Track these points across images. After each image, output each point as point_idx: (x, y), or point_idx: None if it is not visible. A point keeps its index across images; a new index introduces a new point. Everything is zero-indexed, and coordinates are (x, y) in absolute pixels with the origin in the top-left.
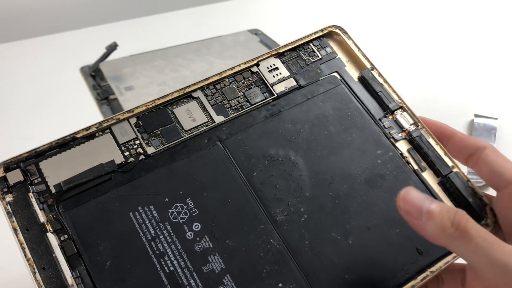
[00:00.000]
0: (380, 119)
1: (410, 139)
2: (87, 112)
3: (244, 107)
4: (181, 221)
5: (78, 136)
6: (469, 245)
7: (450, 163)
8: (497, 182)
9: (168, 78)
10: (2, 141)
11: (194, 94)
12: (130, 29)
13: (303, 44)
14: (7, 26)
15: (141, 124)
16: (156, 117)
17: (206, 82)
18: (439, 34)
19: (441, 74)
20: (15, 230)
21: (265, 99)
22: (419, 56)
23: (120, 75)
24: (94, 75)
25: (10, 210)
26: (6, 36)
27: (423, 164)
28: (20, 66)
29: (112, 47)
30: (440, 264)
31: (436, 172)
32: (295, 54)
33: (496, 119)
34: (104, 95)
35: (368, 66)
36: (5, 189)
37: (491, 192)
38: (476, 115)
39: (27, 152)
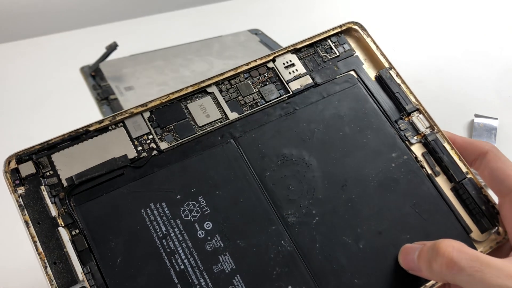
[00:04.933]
0: (396, 121)
1: (425, 142)
2: (87, 112)
3: (259, 104)
4: (192, 219)
5: (91, 129)
6: (463, 276)
7: (464, 169)
8: (499, 189)
9: (168, 78)
10: (2, 141)
11: (208, 89)
12: (130, 29)
13: (320, 40)
14: (7, 26)
15: (154, 118)
16: (170, 112)
17: (221, 77)
18: (439, 34)
19: (441, 74)
20: (26, 223)
21: (280, 96)
22: (419, 55)
23: (120, 75)
24: (94, 75)
25: (22, 203)
26: (6, 36)
27: (437, 169)
28: (20, 66)
29: (112, 47)
30: None
31: (450, 178)
32: (312, 50)
33: (496, 119)
34: (104, 95)
35: (386, 65)
36: (17, 181)
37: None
38: (476, 115)
39: (39, 144)
